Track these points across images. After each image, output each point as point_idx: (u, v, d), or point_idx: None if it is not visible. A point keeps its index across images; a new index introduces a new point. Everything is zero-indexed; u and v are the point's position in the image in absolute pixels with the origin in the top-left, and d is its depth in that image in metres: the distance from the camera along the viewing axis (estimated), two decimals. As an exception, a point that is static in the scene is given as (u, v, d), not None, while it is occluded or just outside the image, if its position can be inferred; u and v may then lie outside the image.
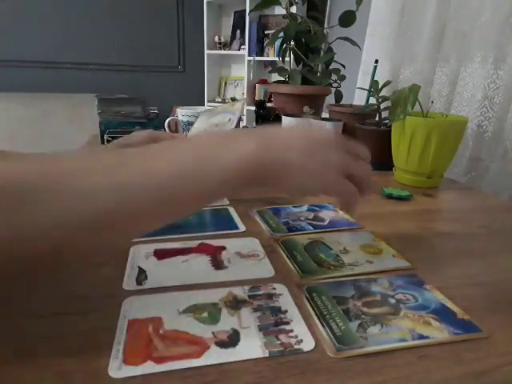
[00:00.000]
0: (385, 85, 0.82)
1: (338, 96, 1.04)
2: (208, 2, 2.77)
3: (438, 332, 0.30)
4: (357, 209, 0.38)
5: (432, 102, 1.07)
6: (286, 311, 0.32)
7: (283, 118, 0.93)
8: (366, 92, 0.89)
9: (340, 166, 0.36)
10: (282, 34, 1.02)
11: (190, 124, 0.91)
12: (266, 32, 2.71)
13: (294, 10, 1.43)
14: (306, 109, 0.95)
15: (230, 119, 0.77)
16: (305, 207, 0.49)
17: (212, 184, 0.31)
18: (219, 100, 3.01)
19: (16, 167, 0.28)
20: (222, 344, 0.28)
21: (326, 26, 2.10)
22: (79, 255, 0.30)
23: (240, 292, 0.35)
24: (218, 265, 0.39)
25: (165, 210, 0.31)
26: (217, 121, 0.80)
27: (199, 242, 0.44)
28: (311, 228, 0.49)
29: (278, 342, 0.28)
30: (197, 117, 0.86)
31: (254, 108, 1.07)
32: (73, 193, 0.27)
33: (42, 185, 0.27)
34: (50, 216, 0.26)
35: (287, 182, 0.35)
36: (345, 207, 0.39)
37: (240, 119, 0.78)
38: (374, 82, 0.83)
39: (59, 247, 0.27)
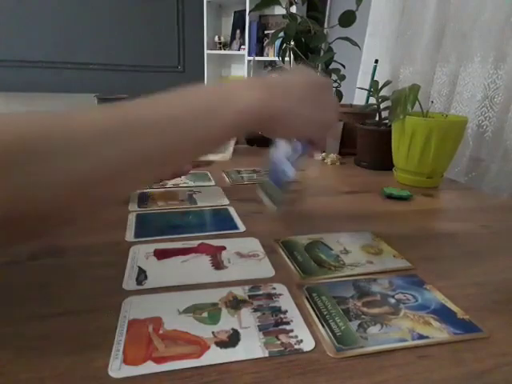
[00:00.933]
0: (385, 85, 0.82)
1: (338, 96, 1.04)
2: (208, 2, 2.77)
3: (438, 332, 0.30)
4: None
5: (432, 102, 1.07)
6: (286, 311, 0.32)
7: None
8: (366, 92, 0.89)
9: (334, 109, 0.43)
10: (281, 33, 1.02)
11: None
12: (265, 32, 2.71)
13: (293, 9, 1.43)
14: (305, 109, 0.95)
15: None
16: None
17: (222, 125, 0.34)
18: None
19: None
20: (222, 344, 0.28)
21: (326, 25, 2.11)
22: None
23: (240, 292, 0.35)
24: (217, 265, 0.39)
25: (175, 150, 0.32)
26: None
27: (199, 241, 0.44)
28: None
29: (278, 342, 0.28)
30: None
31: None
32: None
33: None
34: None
35: (285, 128, 0.39)
36: (318, 147, 0.46)
37: None
38: (374, 82, 0.83)
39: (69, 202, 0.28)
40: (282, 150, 0.49)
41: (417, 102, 0.66)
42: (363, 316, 0.32)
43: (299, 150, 0.47)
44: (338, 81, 1.00)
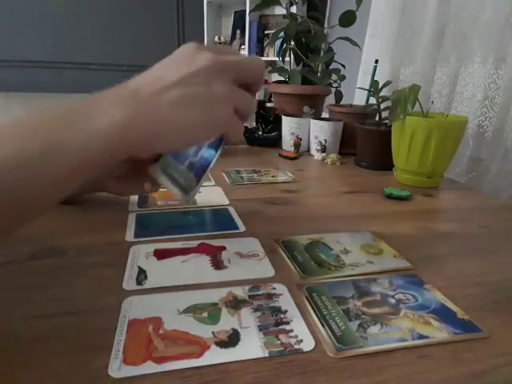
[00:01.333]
0: (385, 85, 0.82)
1: (338, 96, 1.04)
2: (208, 2, 2.77)
3: (438, 332, 0.30)
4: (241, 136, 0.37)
5: (432, 102, 1.07)
6: (286, 311, 0.32)
7: (283, 118, 0.93)
8: (366, 92, 0.89)
9: (225, 101, 0.33)
10: (282, 33, 1.02)
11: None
12: (265, 32, 2.71)
13: (294, 9, 1.43)
14: (305, 109, 0.95)
15: None
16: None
17: (67, 166, 0.27)
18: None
19: None
20: (222, 344, 0.28)
21: (326, 25, 2.10)
22: None
23: (240, 292, 0.35)
24: (217, 265, 0.39)
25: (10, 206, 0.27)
26: None
27: (199, 241, 0.44)
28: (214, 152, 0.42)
29: (278, 342, 0.28)
30: None
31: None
32: None
33: None
34: None
35: (171, 144, 0.32)
36: (230, 142, 0.37)
37: None
38: (374, 82, 0.83)
39: None
40: None
41: (417, 102, 0.66)
42: (363, 316, 0.32)
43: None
44: (338, 81, 1.00)
